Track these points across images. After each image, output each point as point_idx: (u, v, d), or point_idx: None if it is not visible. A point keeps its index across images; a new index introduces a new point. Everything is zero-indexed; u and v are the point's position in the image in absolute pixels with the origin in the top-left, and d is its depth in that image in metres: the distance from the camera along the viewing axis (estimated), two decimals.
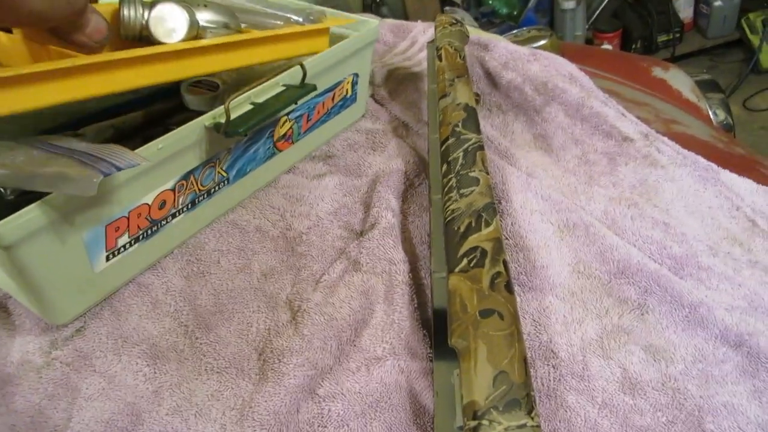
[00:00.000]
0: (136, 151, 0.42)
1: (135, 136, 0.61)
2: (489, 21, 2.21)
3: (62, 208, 0.40)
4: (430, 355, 0.44)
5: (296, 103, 0.53)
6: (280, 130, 0.57)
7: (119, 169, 0.37)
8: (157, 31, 0.49)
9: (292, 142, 0.60)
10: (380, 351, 0.44)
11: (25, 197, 0.42)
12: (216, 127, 0.47)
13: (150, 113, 0.67)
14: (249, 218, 0.56)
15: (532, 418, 0.35)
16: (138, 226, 0.47)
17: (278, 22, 0.62)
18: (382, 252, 0.50)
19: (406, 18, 1.87)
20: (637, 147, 0.64)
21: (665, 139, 0.65)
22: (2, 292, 0.50)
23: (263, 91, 0.51)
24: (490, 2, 2.15)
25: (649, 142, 0.65)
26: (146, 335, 0.46)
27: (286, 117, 0.57)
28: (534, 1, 2.14)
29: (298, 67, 0.52)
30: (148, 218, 0.47)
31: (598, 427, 0.40)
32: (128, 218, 0.45)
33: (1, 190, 0.42)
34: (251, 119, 0.47)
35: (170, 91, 0.70)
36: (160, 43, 0.51)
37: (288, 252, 0.53)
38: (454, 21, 0.69)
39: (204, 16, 0.51)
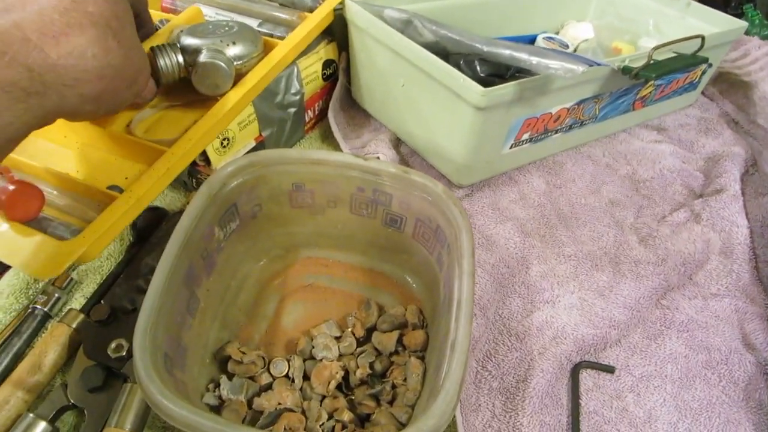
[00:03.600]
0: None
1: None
2: None
3: (520, 94, 0.51)
4: (766, 302, 0.50)
5: (686, 70, 0.60)
6: (643, 92, 0.65)
7: (598, 65, 0.48)
8: (201, 87, 0.51)
9: (644, 106, 0.68)
10: (715, 289, 0.52)
11: (486, 78, 0.54)
12: (623, 69, 0.56)
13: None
14: (600, 155, 0.66)
15: None
16: (537, 130, 0.58)
17: (288, 16, 0.63)
18: (727, 214, 0.57)
19: None
20: None
21: None
22: (408, 149, 0.64)
23: (659, 54, 0.60)
24: None
25: None
26: (515, 215, 0.58)
27: (653, 82, 0.65)
28: None
29: (698, 39, 0.59)
30: (545, 126, 0.58)
31: None
32: (537, 120, 0.56)
33: (477, 66, 0.55)
34: (657, 70, 0.56)
35: (522, 39, 0.82)
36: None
37: (633, 191, 0.62)
38: None
39: (234, 52, 0.52)
